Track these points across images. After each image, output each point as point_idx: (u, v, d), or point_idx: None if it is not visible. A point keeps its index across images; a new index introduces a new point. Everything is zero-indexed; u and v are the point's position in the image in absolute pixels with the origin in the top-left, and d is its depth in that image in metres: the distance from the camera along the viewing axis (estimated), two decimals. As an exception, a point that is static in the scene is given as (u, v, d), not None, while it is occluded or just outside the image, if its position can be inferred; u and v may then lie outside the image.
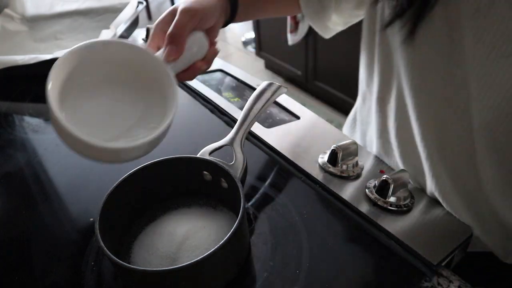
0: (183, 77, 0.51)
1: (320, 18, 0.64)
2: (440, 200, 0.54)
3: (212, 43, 0.53)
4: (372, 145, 0.65)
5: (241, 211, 0.42)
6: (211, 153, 0.53)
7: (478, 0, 0.41)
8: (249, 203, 0.55)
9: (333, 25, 0.67)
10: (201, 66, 0.51)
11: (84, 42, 0.41)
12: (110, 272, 0.48)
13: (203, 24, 0.51)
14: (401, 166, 0.59)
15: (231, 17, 0.58)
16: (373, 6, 0.52)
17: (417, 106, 0.51)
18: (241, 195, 0.44)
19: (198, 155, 0.52)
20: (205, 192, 0.53)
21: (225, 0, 0.56)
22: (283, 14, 0.70)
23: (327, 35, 0.70)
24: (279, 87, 0.60)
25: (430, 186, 0.55)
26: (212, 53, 0.53)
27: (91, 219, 0.55)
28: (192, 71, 0.51)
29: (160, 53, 0.47)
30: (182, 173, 0.52)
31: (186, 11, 0.48)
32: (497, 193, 0.50)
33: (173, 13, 0.49)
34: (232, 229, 0.41)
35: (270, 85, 0.59)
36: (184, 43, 0.48)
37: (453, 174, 0.52)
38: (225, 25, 0.58)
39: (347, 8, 0.63)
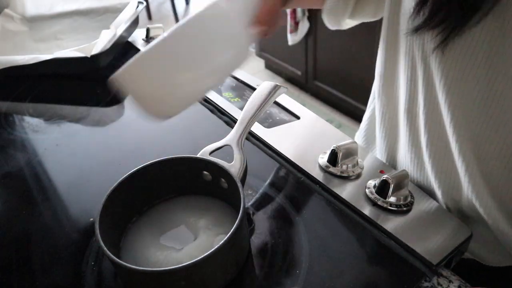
0: None
1: (339, 21, 0.62)
2: (481, 216, 0.51)
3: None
4: (397, 159, 0.61)
5: (241, 211, 0.43)
6: (211, 153, 0.53)
7: None
8: (249, 203, 0.55)
9: (345, 25, 0.64)
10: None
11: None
12: (110, 272, 0.48)
13: None
14: (433, 182, 0.55)
15: None
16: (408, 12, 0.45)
17: (453, 122, 0.47)
18: (241, 195, 0.44)
19: (198, 155, 0.52)
20: (205, 192, 0.53)
21: None
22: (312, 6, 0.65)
23: (335, 28, 0.65)
24: (279, 87, 0.60)
25: (468, 202, 0.52)
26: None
27: (91, 219, 0.55)
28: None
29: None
30: (182, 173, 0.51)
31: None
32: None
33: None
34: (232, 229, 0.41)
35: (270, 85, 0.59)
36: None
37: (494, 190, 0.49)
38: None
39: (362, 18, 0.61)
